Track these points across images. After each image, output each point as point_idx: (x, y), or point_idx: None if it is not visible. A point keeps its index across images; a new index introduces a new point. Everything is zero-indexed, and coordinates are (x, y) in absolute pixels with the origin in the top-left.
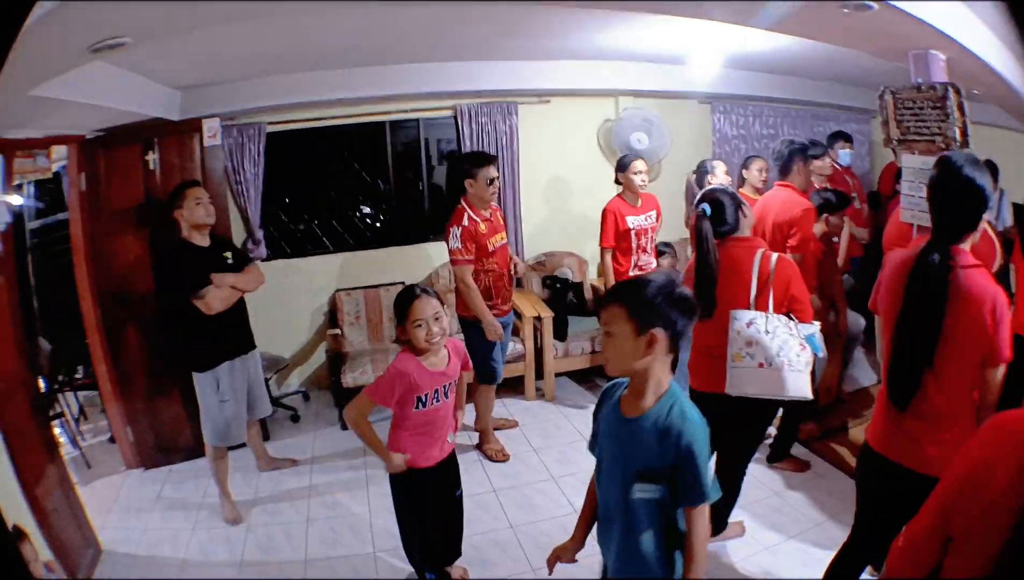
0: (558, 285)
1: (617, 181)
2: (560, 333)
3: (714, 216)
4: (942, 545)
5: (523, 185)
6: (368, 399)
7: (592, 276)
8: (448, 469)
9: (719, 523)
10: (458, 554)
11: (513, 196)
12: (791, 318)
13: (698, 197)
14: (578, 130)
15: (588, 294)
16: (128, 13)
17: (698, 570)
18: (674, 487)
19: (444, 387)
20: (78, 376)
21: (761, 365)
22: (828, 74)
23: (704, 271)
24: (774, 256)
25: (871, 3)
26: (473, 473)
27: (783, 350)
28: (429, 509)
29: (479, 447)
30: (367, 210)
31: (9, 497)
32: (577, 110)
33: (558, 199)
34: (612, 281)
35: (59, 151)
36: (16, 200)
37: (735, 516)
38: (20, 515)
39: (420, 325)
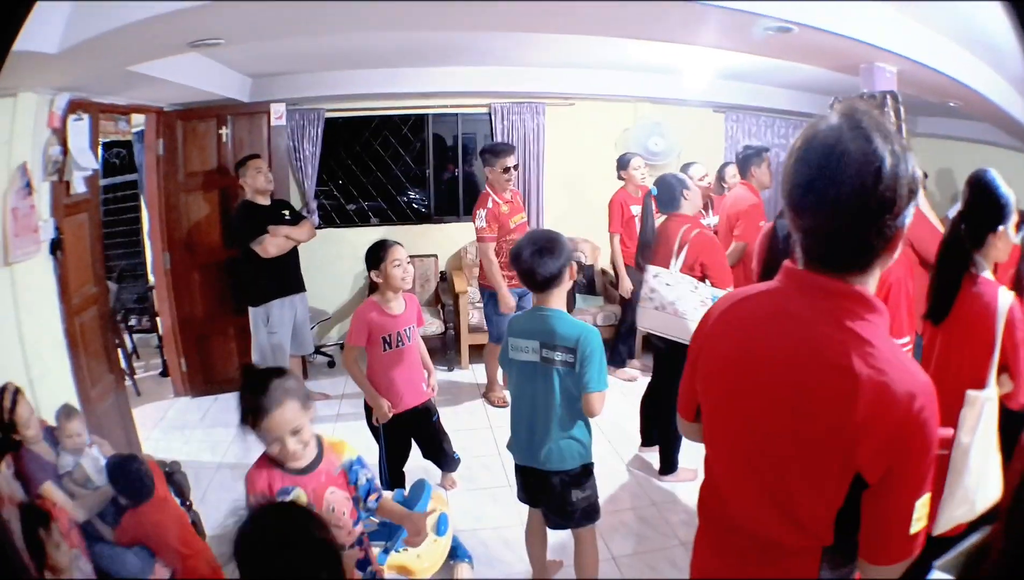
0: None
1: (620, 177)
2: (567, 306)
3: (659, 196)
4: None
5: (547, 177)
6: (349, 344)
7: (604, 261)
8: (424, 414)
9: (669, 465)
10: (454, 465)
11: (537, 186)
12: (705, 282)
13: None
14: (598, 131)
15: (598, 276)
16: (226, 20)
17: None
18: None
19: (406, 330)
20: (132, 323)
21: (656, 308)
22: (830, 89)
23: (643, 237)
24: (694, 231)
25: (790, 25)
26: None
27: (679, 301)
28: (403, 448)
29: (484, 395)
30: (409, 191)
31: (63, 395)
32: (598, 113)
33: (577, 190)
34: (620, 261)
35: (137, 119)
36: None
37: (690, 464)
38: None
39: (399, 264)
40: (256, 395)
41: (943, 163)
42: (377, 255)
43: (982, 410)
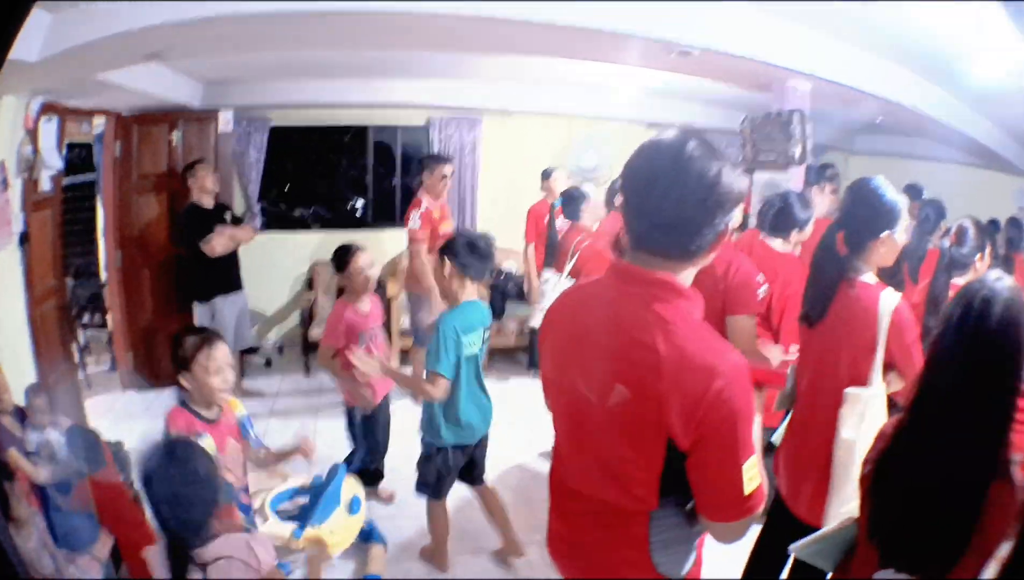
0: (501, 276)
1: (542, 189)
2: (496, 313)
3: (564, 206)
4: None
5: (480, 188)
6: (325, 346)
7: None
8: (386, 404)
9: None
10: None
11: (471, 196)
12: None
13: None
14: (532, 145)
15: (527, 285)
16: (178, 38)
17: None
18: None
19: (376, 326)
20: (85, 320)
21: (542, 310)
22: (753, 107)
23: (550, 244)
24: (586, 242)
25: (691, 49)
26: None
27: None
28: (378, 434)
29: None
30: (348, 198)
31: (26, 377)
32: (533, 128)
33: (510, 202)
34: (533, 270)
35: (99, 120)
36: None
37: None
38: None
39: (363, 272)
40: (199, 334)
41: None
42: (342, 260)
43: (865, 408)
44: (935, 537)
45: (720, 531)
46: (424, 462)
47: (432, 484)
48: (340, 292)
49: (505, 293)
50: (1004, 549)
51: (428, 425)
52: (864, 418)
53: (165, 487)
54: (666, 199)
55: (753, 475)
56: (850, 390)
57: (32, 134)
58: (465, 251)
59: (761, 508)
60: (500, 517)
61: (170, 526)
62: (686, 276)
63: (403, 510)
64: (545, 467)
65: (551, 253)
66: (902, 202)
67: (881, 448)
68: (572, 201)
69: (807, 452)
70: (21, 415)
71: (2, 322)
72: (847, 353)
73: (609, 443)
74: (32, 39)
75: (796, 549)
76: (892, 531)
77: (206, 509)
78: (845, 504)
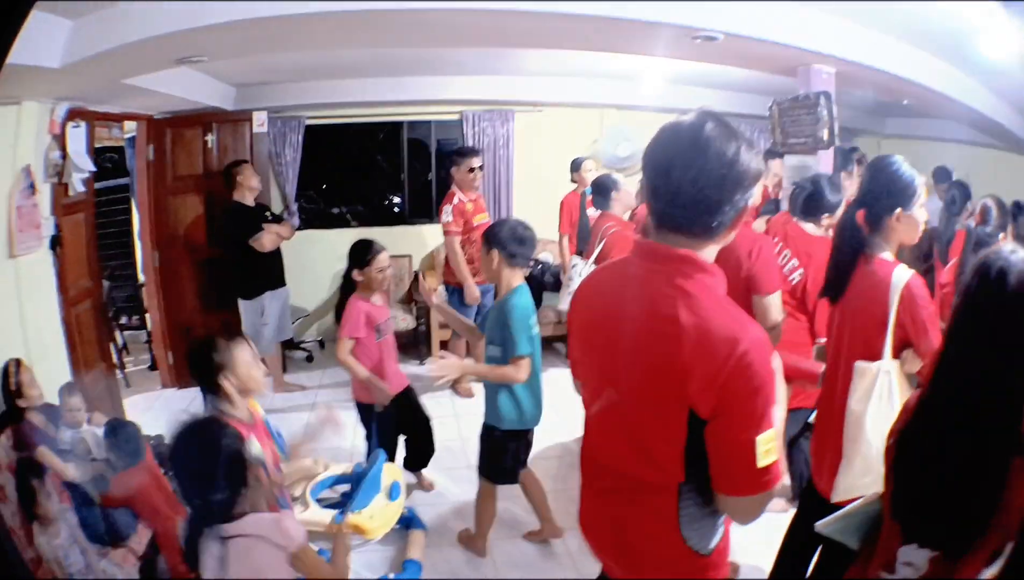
0: (538, 266)
1: (572, 179)
2: (536, 303)
3: (594, 196)
4: None
5: (515, 180)
6: (344, 338)
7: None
8: (407, 396)
9: None
10: (426, 462)
11: (507, 188)
12: None
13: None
14: (565, 136)
15: (563, 275)
16: (207, 41)
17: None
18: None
19: (390, 320)
20: (123, 321)
21: (570, 293)
22: (783, 91)
23: (581, 233)
24: (613, 229)
25: (716, 34)
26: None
27: None
28: (395, 434)
29: (452, 386)
30: (385, 194)
31: (59, 378)
32: (566, 120)
33: (544, 193)
34: (568, 260)
35: (129, 125)
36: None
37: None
38: None
39: (381, 270)
40: (225, 335)
41: (914, 163)
42: (363, 258)
43: (875, 380)
44: (957, 512)
45: (733, 506)
46: (499, 450)
47: (510, 469)
48: (347, 285)
49: (542, 283)
50: None
51: (506, 412)
52: (874, 392)
53: (193, 464)
54: (685, 178)
55: (769, 449)
56: (859, 363)
57: (59, 139)
58: (509, 239)
59: (776, 486)
60: (539, 499)
61: (196, 503)
62: (708, 253)
63: (442, 498)
64: None
65: (583, 242)
66: (919, 180)
67: (903, 422)
68: (601, 190)
69: (827, 427)
70: (52, 413)
71: (34, 323)
72: (861, 328)
73: (635, 415)
74: (53, 45)
75: (821, 526)
76: (914, 506)
77: (235, 488)
78: (855, 477)
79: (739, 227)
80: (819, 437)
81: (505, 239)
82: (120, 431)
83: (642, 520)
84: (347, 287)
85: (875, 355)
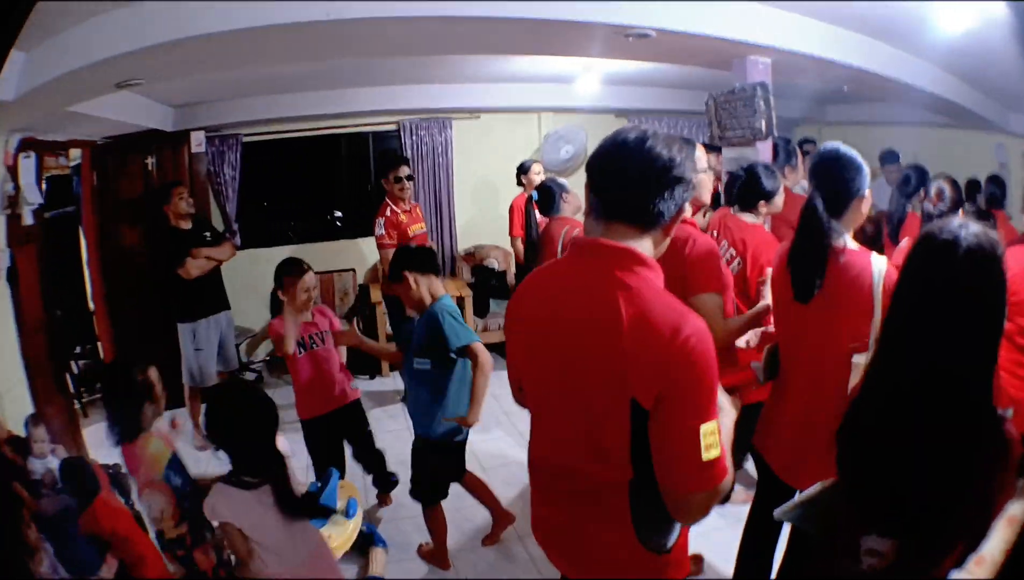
0: (484, 272)
1: (519, 182)
2: (480, 310)
3: (540, 201)
4: None
5: (456, 188)
6: (275, 338)
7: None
8: (350, 414)
9: None
10: (390, 485)
11: (448, 196)
12: None
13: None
14: (504, 141)
15: (511, 281)
16: (144, 64)
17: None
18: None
19: (317, 334)
20: (77, 351)
21: None
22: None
23: (529, 239)
24: (576, 230)
25: (648, 32)
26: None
27: None
28: (333, 446)
29: (403, 399)
30: (326, 208)
31: (24, 410)
32: (504, 125)
33: (486, 200)
34: (518, 263)
35: (75, 153)
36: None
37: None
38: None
39: (307, 290)
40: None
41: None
42: (283, 278)
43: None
44: (911, 496)
45: (678, 503)
46: (444, 458)
47: (455, 476)
48: (275, 304)
49: (489, 288)
50: (1016, 508)
51: (450, 416)
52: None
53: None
54: (624, 174)
55: (713, 442)
56: (856, 357)
57: (12, 171)
58: (408, 258)
59: (722, 484)
60: (484, 494)
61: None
62: (646, 246)
63: (400, 512)
64: None
65: (531, 247)
66: (864, 161)
67: (852, 405)
68: (548, 195)
69: (807, 427)
70: (22, 445)
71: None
72: (848, 322)
73: (581, 412)
74: (8, 78)
75: (780, 514)
76: (867, 491)
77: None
78: None
79: (675, 225)
80: (792, 434)
81: (405, 260)
82: (74, 468)
83: (595, 521)
84: (276, 306)
85: (863, 347)
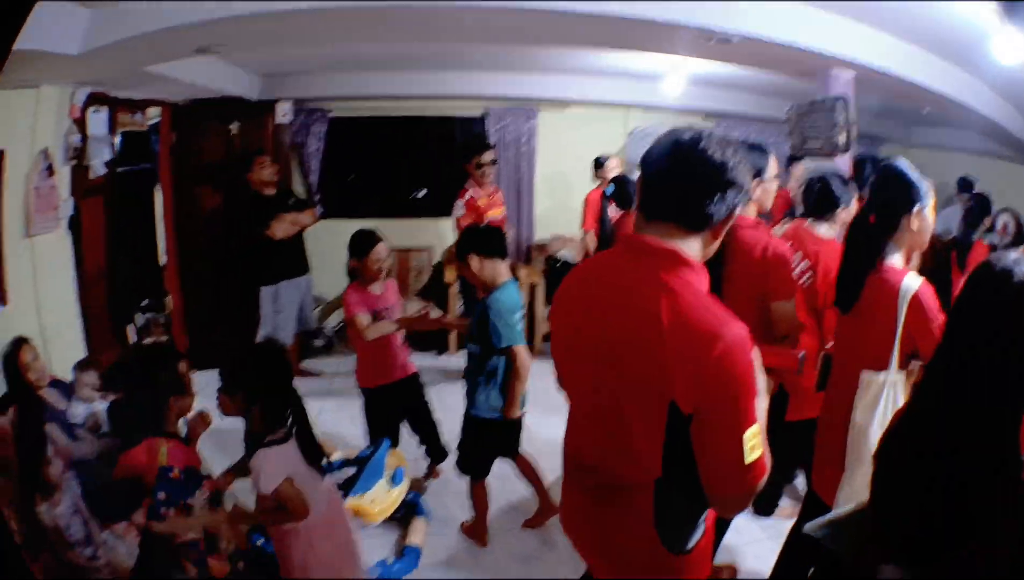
0: (557, 263)
1: (596, 177)
2: (552, 299)
3: (615, 195)
4: None
5: (537, 178)
6: (350, 316)
7: None
8: (409, 386)
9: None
10: (442, 456)
11: (529, 185)
12: None
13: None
14: (589, 135)
15: None
16: (228, 32)
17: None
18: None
19: (392, 307)
20: (142, 304)
21: None
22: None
23: (602, 233)
24: None
25: (731, 36)
26: None
27: None
28: (390, 417)
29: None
30: (408, 186)
31: (74, 356)
32: (590, 118)
33: (565, 191)
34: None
35: (152, 110)
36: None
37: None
38: None
39: (379, 261)
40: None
41: (936, 175)
42: (360, 248)
43: (881, 392)
44: (929, 528)
45: (720, 502)
46: (490, 436)
47: (502, 453)
48: (351, 274)
49: (561, 279)
50: None
51: (505, 398)
52: (879, 403)
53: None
54: (675, 174)
55: (755, 445)
56: (865, 374)
57: (79, 123)
58: (475, 238)
59: (762, 481)
60: (534, 479)
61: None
62: (693, 248)
63: (447, 486)
64: None
65: (604, 241)
66: (927, 183)
67: (888, 429)
68: (623, 189)
69: (831, 437)
70: (64, 389)
71: (50, 302)
72: (870, 336)
73: (615, 411)
74: (71, 32)
75: (810, 528)
76: (890, 518)
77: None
78: (856, 490)
79: (724, 230)
80: (822, 445)
81: (471, 241)
82: (123, 410)
83: (619, 517)
84: (350, 276)
85: (882, 365)
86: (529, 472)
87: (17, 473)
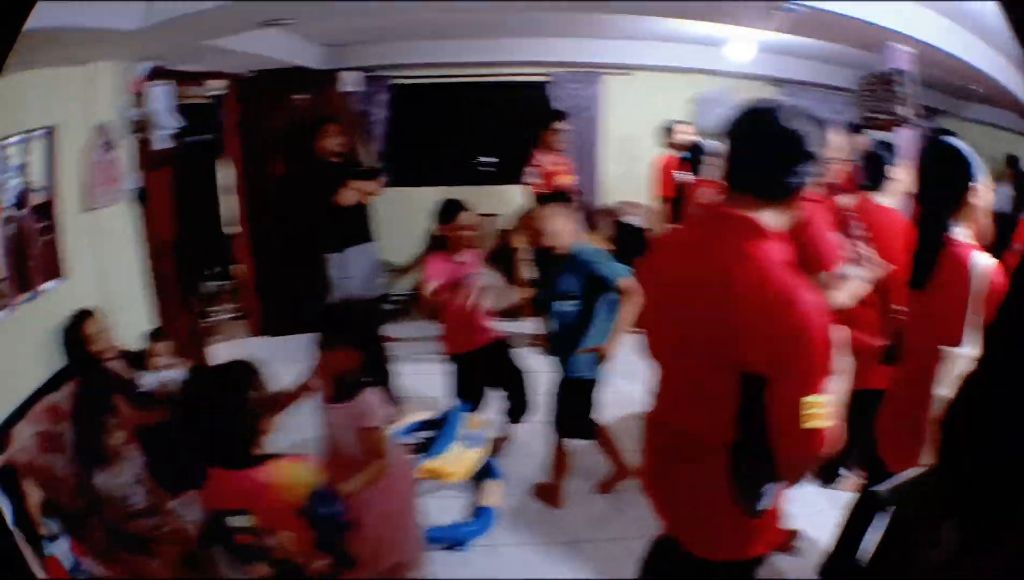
0: (625, 229)
1: (664, 142)
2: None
3: (692, 160)
4: None
5: (602, 144)
6: (427, 294)
7: None
8: (495, 351)
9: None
10: (519, 418)
11: (593, 152)
12: None
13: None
14: (654, 101)
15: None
16: (291, 3)
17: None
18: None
19: (474, 275)
20: (208, 273)
21: None
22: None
23: (673, 199)
24: (709, 194)
25: (796, 7)
26: None
27: None
28: (475, 382)
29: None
30: (472, 154)
31: (139, 327)
32: (656, 84)
33: (632, 157)
34: (661, 224)
35: (215, 84)
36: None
37: None
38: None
39: (467, 229)
40: (455, 205)
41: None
42: (450, 214)
43: (960, 367)
44: (993, 489)
45: (783, 464)
46: (583, 396)
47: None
48: (433, 242)
49: (631, 248)
50: None
51: (609, 335)
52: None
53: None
54: (753, 144)
55: (815, 414)
56: (944, 348)
57: (139, 97)
58: (556, 201)
59: (822, 452)
60: (608, 443)
61: None
62: (771, 218)
63: (521, 449)
64: None
65: (676, 207)
66: (979, 159)
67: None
68: (696, 155)
69: (903, 408)
70: (131, 359)
71: (115, 273)
72: (942, 312)
73: (693, 373)
74: (129, 8)
75: (877, 490)
76: (956, 479)
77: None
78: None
79: (800, 198)
80: (892, 415)
81: (553, 204)
82: (204, 376)
83: (695, 477)
84: (433, 244)
85: (956, 340)
86: (605, 436)
87: (74, 446)
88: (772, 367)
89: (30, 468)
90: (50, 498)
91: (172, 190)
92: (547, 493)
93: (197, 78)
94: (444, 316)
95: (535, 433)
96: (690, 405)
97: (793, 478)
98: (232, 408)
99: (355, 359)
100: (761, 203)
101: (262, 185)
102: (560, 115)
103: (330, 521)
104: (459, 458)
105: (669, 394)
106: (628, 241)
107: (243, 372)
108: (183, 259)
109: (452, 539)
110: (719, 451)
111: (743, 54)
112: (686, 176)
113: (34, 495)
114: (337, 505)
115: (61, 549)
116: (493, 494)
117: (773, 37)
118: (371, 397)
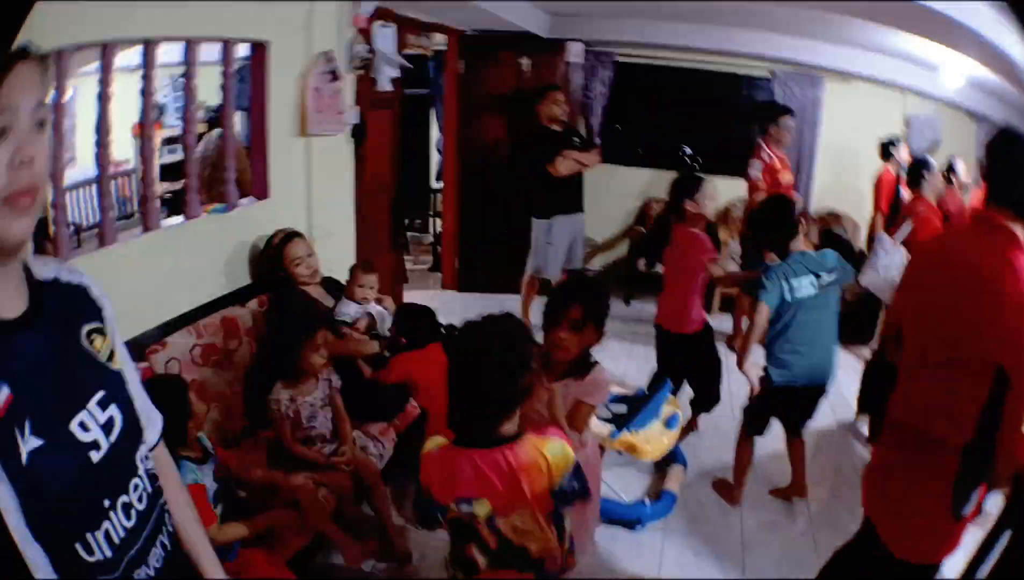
0: (830, 238)
1: (884, 156)
2: None
3: (908, 175)
4: None
5: (819, 148)
6: (706, 261)
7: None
8: (695, 340)
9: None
10: (705, 408)
11: (810, 154)
12: None
13: None
14: (869, 112)
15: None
16: None
17: None
18: None
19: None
20: (409, 221)
21: (872, 269)
22: None
23: (893, 216)
24: (922, 213)
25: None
26: None
27: (890, 268)
28: (674, 363)
29: (727, 341)
30: (685, 140)
31: (342, 258)
32: (870, 95)
33: (845, 167)
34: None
35: (436, 37)
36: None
37: None
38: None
39: (706, 205)
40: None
41: None
42: (693, 187)
43: None
44: None
45: (1001, 466)
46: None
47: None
48: (669, 217)
49: None
50: None
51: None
52: None
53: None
54: (1015, 166)
55: None
56: None
57: (365, 34)
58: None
59: None
60: (797, 458)
61: None
62: None
63: (705, 439)
64: None
65: (893, 223)
66: None
67: None
68: (918, 172)
69: None
70: (332, 287)
71: (324, 202)
72: None
73: (944, 373)
74: None
75: None
76: None
77: None
78: None
79: None
80: None
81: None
82: (415, 316)
83: (920, 477)
84: (668, 219)
85: None
86: (796, 453)
87: (259, 362)
88: (1019, 370)
89: (193, 382)
90: (207, 414)
91: (391, 133)
92: (725, 488)
93: (422, 28)
94: (666, 291)
95: (717, 426)
96: (939, 404)
97: (1002, 483)
98: (506, 374)
99: (599, 337)
100: (1020, 219)
101: (475, 143)
102: (789, 111)
103: (573, 498)
104: (657, 437)
105: (917, 394)
106: (836, 248)
107: (520, 330)
108: (396, 201)
109: (632, 517)
110: (953, 453)
111: (955, 81)
112: (906, 193)
113: (200, 409)
114: (584, 481)
115: (206, 474)
116: (676, 479)
117: (982, 73)
118: (601, 374)
